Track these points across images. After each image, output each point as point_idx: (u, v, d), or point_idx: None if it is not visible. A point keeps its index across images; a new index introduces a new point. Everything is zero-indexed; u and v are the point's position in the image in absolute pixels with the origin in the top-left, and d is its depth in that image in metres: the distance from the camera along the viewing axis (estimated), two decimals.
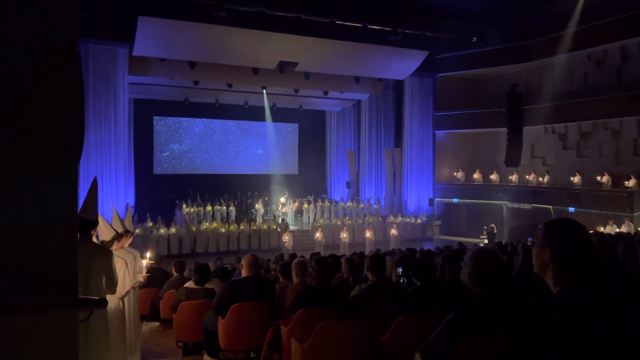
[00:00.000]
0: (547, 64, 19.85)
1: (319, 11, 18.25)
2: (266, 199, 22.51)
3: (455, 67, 22.15)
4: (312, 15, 18.03)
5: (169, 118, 24.23)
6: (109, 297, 3.73)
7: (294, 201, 22.16)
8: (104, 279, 3.60)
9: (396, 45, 19.77)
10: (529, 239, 11.02)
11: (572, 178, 18.44)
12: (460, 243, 13.53)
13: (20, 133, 1.40)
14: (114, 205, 7.77)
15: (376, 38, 19.51)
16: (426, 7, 20.22)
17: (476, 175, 21.90)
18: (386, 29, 19.65)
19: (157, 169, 23.93)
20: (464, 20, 21.59)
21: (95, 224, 3.80)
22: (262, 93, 22.29)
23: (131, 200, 19.76)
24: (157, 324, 7.00)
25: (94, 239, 4.14)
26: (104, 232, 4.48)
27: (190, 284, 5.57)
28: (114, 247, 4.47)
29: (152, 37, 16.49)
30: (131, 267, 4.68)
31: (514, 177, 20.67)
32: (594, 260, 1.51)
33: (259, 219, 20.24)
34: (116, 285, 3.75)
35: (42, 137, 1.43)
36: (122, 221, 5.02)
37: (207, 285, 5.55)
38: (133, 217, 17.23)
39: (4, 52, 1.38)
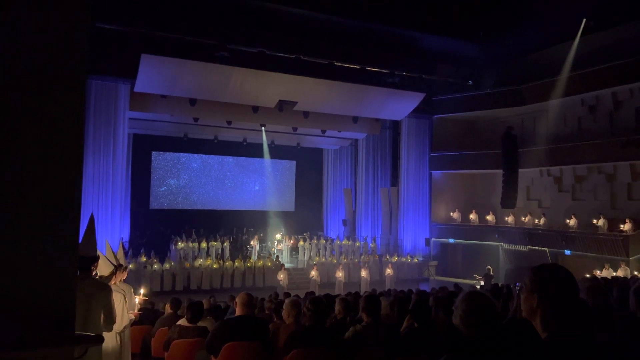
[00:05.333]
0: (542, 108, 20.24)
1: (318, 52, 18.73)
2: (262, 235, 22.40)
3: (451, 109, 22.55)
4: (311, 57, 18.49)
5: (168, 153, 24.39)
6: (106, 333, 3.70)
7: (290, 238, 22.06)
8: (103, 315, 3.58)
9: (393, 87, 20.20)
10: (517, 284, 10.95)
11: (567, 221, 18.50)
12: (456, 284, 13.42)
13: (22, 169, 1.44)
14: (107, 239, 7.70)
15: (374, 80, 19.95)
16: (423, 50, 20.78)
17: (472, 216, 21.93)
18: (384, 71, 20.12)
19: (154, 204, 23.89)
20: (460, 64, 22.15)
21: (95, 260, 3.81)
22: (261, 130, 22.55)
23: (126, 234, 19.66)
24: None
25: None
26: (102, 267, 4.48)
27: (183, 322, 5.50)
28: (111, 282, 4.46)
29: (154, 74, 16.80)
30: (128, 302, 4.67)
31: (510, 219, 20.71)
32: (581, 306, 1.54)
33: (254, 256, 20.08)
34: (114, 323, 3.73)
35: (45, 174, 1.47)
36: (115, 255, 5.03)
37: (200, 324, 5.48)
38: (127, 252, 17.16)
39: (18, 85, 1.44)
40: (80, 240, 3.59)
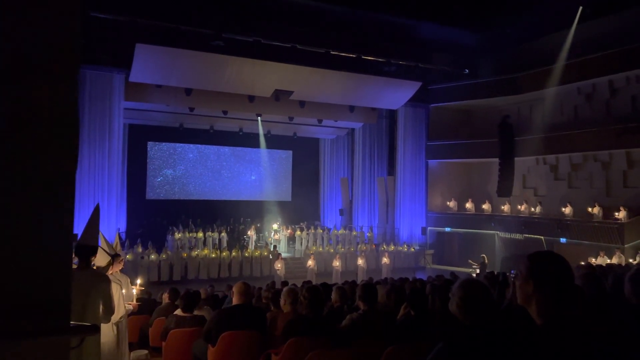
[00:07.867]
0: (538, 96, 20.22)
1: (315, 41, 18.61)
2: (259, 225, 22.42)
3: (447, 98, 22.50)
4: (307, 46, 18.38)
5: (164, 143, 24.30)
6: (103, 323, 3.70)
7: (287, 228, 22.09)
8: (102, 306, 3.58)
9: (390, 75, 20.11)
10: (512, 271, 11.01)
11: (563, 209, 18.57)
12: (452, 273, 13.49)
13: (16, 159, 1.42)
14: (101, 230, 7.69)
15: (370, 69, 19.86)
16: (419, 39, 20.69)
17: (468, 205, 21.99)
18: (380, 60, 20.03)
19: (150, 194, 23.85)
20: (456, 53, 22.07)
21: (94, 250, 3.80)
22: (257, 120, 22.47)
23: (123, 225, 19.63)
24: (145, 352, 6.88)
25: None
26: (99, 257, 4.48)
27: (179, 312, 5.52)
28: (108, 273, 4.46)
29: (149, 64, 16.68)
30: (125, 292, 4.67)
31: (505, 208, 20.78)
32: (576, 293, 1.54)
33: (252, 246, 20.11)
34: (113, 314, 3.73)
35: (39, 166, 1.46)
36: (110, 245, 5.03)
37: (197, 313, 5.50)
38: (124, 243, 17.15)
39: (10, 76, 1.42)
40: (83, 228, 3.59)
